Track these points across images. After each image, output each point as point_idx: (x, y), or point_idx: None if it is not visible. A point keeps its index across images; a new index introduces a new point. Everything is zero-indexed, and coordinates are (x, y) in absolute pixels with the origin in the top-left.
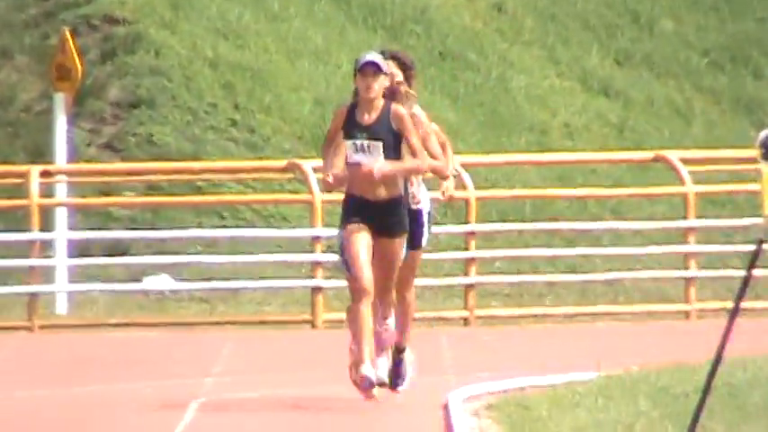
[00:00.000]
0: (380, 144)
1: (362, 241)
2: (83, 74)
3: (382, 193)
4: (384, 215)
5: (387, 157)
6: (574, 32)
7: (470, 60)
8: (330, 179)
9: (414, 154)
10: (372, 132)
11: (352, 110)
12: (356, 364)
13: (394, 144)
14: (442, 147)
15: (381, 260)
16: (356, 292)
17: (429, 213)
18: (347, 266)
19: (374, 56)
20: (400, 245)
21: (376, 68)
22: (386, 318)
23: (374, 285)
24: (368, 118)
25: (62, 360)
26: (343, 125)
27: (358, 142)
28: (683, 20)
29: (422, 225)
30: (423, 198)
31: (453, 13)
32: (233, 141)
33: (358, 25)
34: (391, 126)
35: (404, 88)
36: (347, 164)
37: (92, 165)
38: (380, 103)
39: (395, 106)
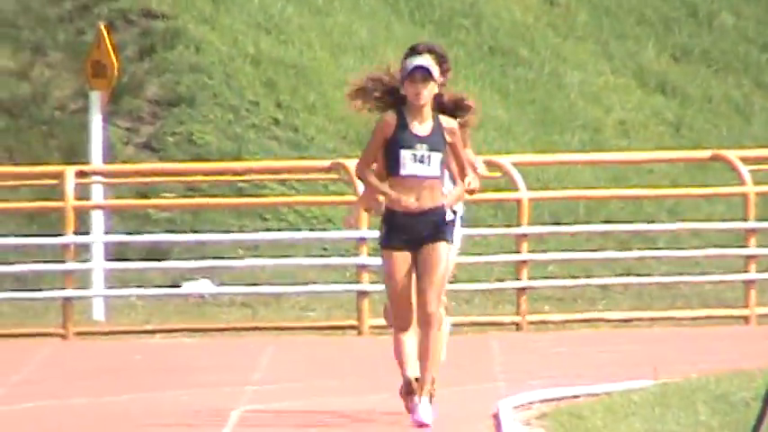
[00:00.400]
0: (440, 156)
1: (403, 267)
2: (119, 71)
3: (427, 202)
4: (427, 224)
5: (439, 165)
6: (629, 27)
7: (521, 55)
8: (413, 201)
9: (461, 167)
10: (432, 144)
11: (401, 119)
12: (407, 398)
13: (444, 155)
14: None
15: (425, 268)
16: (397, 325)
17: (456, 213)
18: (388, 298)
19: (424, 59)
20: (445, 252)
21: (426, 73)
22: (426, 359)
23: (418, 303)
24: (422, 128)
25: (97, 368)
26: (394, 134)
27: (418, 153)
28: (743, 14)
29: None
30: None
31: (503, 7)
32: (275, 140)
33: (404, 19)
34: (445, 138)
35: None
36: (397, 175)
37: (129, 165)
38: (429, 111)
39: (444, 118)
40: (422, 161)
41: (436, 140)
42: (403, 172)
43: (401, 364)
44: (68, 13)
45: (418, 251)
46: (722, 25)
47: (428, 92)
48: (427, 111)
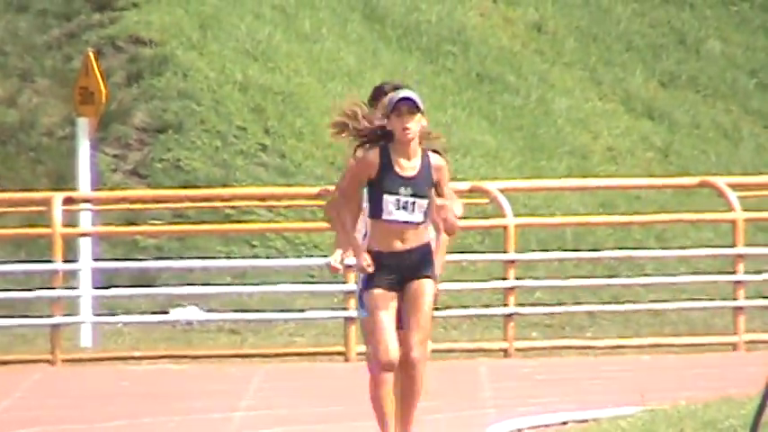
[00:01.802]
0: (425, 202)
1: (388, 309)
2: (107, 97)
3: (411, 242)
4: (412, 261)
5: (423, 211)
6: (617, 53)
7: (509, 82)
8: (368, 266)
9: (443, 204)
10: (416, 187)
11: (386, 156)
12: None
13: (429, 199)
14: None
15: (410, 306)
16: (380, 366)
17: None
18: (367, 338)
19: (409, 92)
20: (431, 290)
21: (413, 105)
22: (409, 413)
23: (403, 347)
24: (408, 168)
25: (85, 394)
26: (377, 175)
27: (402, 199)
28: (731, 40)
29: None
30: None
31: (491, 34)
32: (263, 167)
33: (392, 46)
34: (432, 178)
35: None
36: (378, 219)
37: (117, 192)
38: (417, 148)
39: (434, 155)
40: (405, 207)
41: (422, 182)
42: (385, 217)
43: (381, 423)
44: (56, 40)
45: (403, 289)
46: (710, 51)
47: (416, 125)
48: (414, 146)
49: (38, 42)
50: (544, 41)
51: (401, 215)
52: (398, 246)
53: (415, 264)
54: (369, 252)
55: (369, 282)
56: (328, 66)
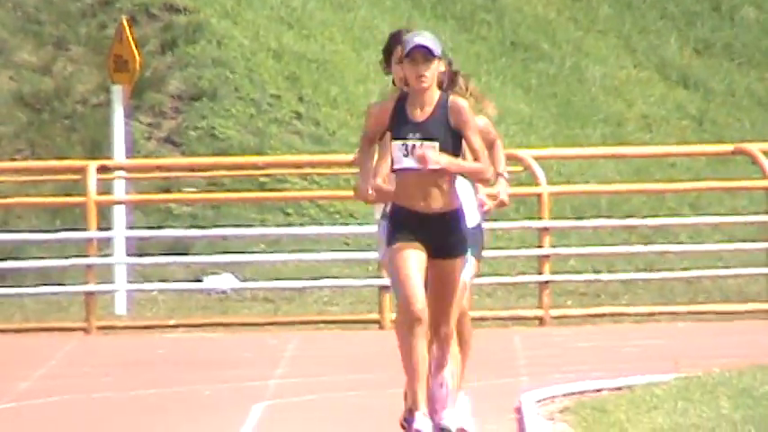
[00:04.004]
0: (436, 145)
1: (413, 259)
2: (141, 65)
3: (437, 203)
4: (439, 232)
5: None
6: (651, 20)
7: (543, 50)
8: (371, 192)
9: (475, 158)
10: (426, 131)
11: (401, 104)
12: (410, 411)
13: (453, 145)
14: (492, 144)
15: (437, 286)
16: (407, 320)
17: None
18: (396, 291)
19: (425, 37)
20: (460, 267)
21: (427, 52)
22: (441, 368)
23: (430, 322)
24: (420, 113)
25: (120, 362)
26: (389, 122)
27: (409, 143)
28: (765, 7)
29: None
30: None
31: (525, 2)
32: (297, 135)
33: (426, 14)
34: (449, 122)
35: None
36: (393, 170)
37: (151, 160)
38: (435, 94)
39: (453, 98)
40: (414, 153)
41: (433, 127)
42: (396, 166)
43: (409, 380)
44: (90, 8)
45: (431, 262)
46: (745, 19)
47: (431, 73)
48: (431, 95)
49: (72, 10)
50: (578, 9)
51: (410, 162)
52: (420, 205)
53: (443, 235)
54: (392, 207)
55: (394, 235)
56: (362, 34)
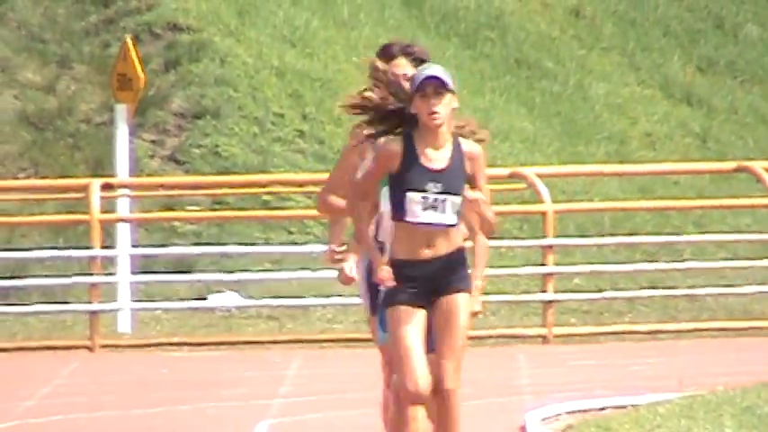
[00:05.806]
0: (458, 200)
1: (416, 333)
2: (145, 83)
3: (444, 248)
4: (443, 273)
5: (456, 211)
6: (654, 38)
7: (547, 68)
8: (386, 275)
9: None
10: (449, 183)
11: (409, 144)
12: None
13: (463, 196)
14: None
15: (446, 328)
16: (408, 398)
17: None
18: (396, 365)
19: (436, 68)
20: (465, 301)
21: (440, 84)
22: None
23: (435, 375)
24: (437, 159)
25: (124, 381)
26: (399, 167)
27: (429, 197)
28: None
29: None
30: None
31: (529, 20)
32: (301, 153)
33: (430, 32)
34: (465, 170)
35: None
36: (402, 220)
37: (155, 178)
38: (447, 135)
39: (467, 142)
40: (434, 207)
41: (454, 176)
42: (410, 219)
43: None
44: (94, 27)
45: (432, 306)
46: (748, 36)
47: (444, 108)
48: (444, 133)
49: (76, 29)
50: (582, 27)
51: (429, 216)
52: (426, 253)
53: (447, 274)
54: (391, 261)
55: (390, 297)
56: (366, 52)
